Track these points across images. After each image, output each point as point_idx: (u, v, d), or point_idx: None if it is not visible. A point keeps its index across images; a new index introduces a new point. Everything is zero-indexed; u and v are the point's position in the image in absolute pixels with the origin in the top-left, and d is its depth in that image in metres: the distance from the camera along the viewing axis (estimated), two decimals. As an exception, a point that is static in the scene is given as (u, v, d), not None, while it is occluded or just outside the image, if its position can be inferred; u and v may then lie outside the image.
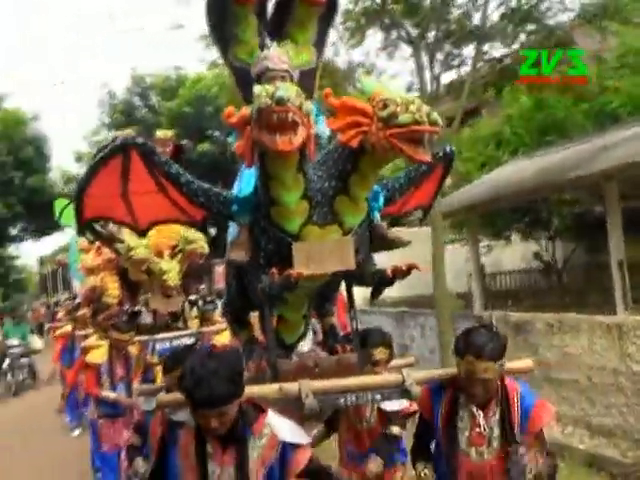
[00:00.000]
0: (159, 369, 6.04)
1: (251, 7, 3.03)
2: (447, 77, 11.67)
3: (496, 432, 2.49)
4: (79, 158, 23.40)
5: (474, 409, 2.51)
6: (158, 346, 6.06)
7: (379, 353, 3.23)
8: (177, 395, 2.40)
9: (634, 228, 10.66)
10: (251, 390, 2.38)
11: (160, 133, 6.39)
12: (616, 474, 5.26)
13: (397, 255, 2.98)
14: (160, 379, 5.91)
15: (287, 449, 2.25)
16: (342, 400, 2.59)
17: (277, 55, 2.94)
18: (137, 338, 5.69)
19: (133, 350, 5.69)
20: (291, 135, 2.25)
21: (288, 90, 2.27)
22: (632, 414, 5.56)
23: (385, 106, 2.31)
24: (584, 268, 11.02)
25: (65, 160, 66.83)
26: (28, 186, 24.86)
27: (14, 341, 13.00)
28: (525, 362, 2.94)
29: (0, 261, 29.72)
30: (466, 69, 8.49)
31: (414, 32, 7.93)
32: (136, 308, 6.72)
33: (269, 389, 2.51)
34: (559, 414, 6.35)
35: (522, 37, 8.65)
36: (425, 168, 2.98)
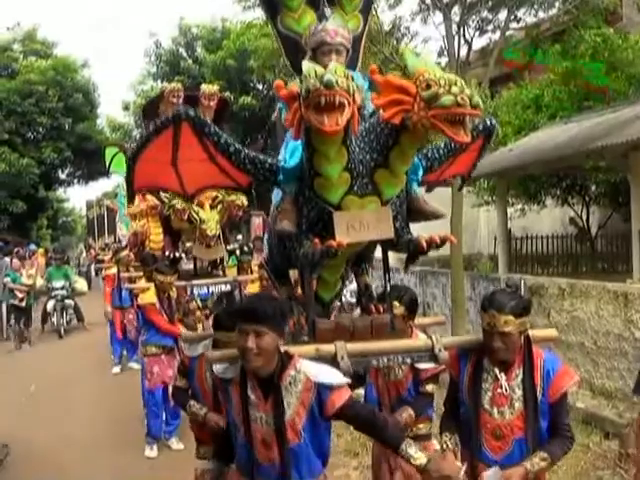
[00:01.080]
0: (199, 314, 6.53)
1: None
2: (482, 41, 11.60)
3: (518, 393, 2.62)
4: (126, 107, 23.97)
5: (497, 371, 2.65)
6: (196, 291, 6.49)
7: (393, 308, 3.28)
8: (226, 351, 2.62)
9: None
10: (289, 349, 2.55)
11: (205, 87, 6.65)
12: (610, 432, 5.60)
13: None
14: (201, 324, 6.38)
15: (322, 390, 2.40)
16: (375, 362, 2.76)
17: (334, 29, 2.97)
18: (176, 283, 6.08)
19: (173, 294, 6.13)
20: (338, 116, 2.34)
21: (336, 72, 2.34)
22: (632, 378, 5.81)
23: (428, 86, 2.35)
24: (620, 235, 11.05)
25: (113, 108, 67.71)
26: (77, 132, 25.67)
27: (58, 283, 13.01)
28: (550, 331, 3.07)
29: (50, 203, 30.84)
30: (496, 37, 8.54)
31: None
32: (177, 254, 7.17)
33: (306, 349, 2.63)
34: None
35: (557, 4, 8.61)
36: None
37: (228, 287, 6.81)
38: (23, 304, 12.59)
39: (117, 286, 9.09)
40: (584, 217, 12.10)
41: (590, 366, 6.36)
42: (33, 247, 22.50)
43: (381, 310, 3.12)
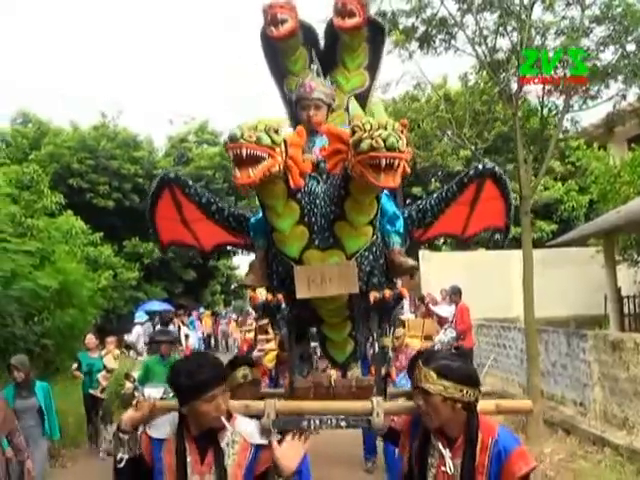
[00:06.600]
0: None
1: (296, 39, 3.09)
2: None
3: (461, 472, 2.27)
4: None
5: (440, 446, 2.31)
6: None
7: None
8: (169, 402, 2.58)
9: None
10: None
11: None
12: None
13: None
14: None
15: (257, 449, 2.38)
16: (305, 423, 2.59)
17: (311, 84, 2.95)
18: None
19: None
20: (249, 169, 2.27)
21: (257, 127, 2.29)
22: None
23: (354, 132, 2.29)
24: None
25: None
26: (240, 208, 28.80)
27: (155, 389, 6.28)
28: (523, 402, 2.89)
29: (219, 272, 34.20)
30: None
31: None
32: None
33: (237, 405, 2.53)
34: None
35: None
36: (456, 187, 2.92)
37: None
38: (104, 395, 8.65)
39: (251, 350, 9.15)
40: None
41: (666, 419, 6.66)
42: (202, 310, 25.39)
43: (382, 373, 2.96)
